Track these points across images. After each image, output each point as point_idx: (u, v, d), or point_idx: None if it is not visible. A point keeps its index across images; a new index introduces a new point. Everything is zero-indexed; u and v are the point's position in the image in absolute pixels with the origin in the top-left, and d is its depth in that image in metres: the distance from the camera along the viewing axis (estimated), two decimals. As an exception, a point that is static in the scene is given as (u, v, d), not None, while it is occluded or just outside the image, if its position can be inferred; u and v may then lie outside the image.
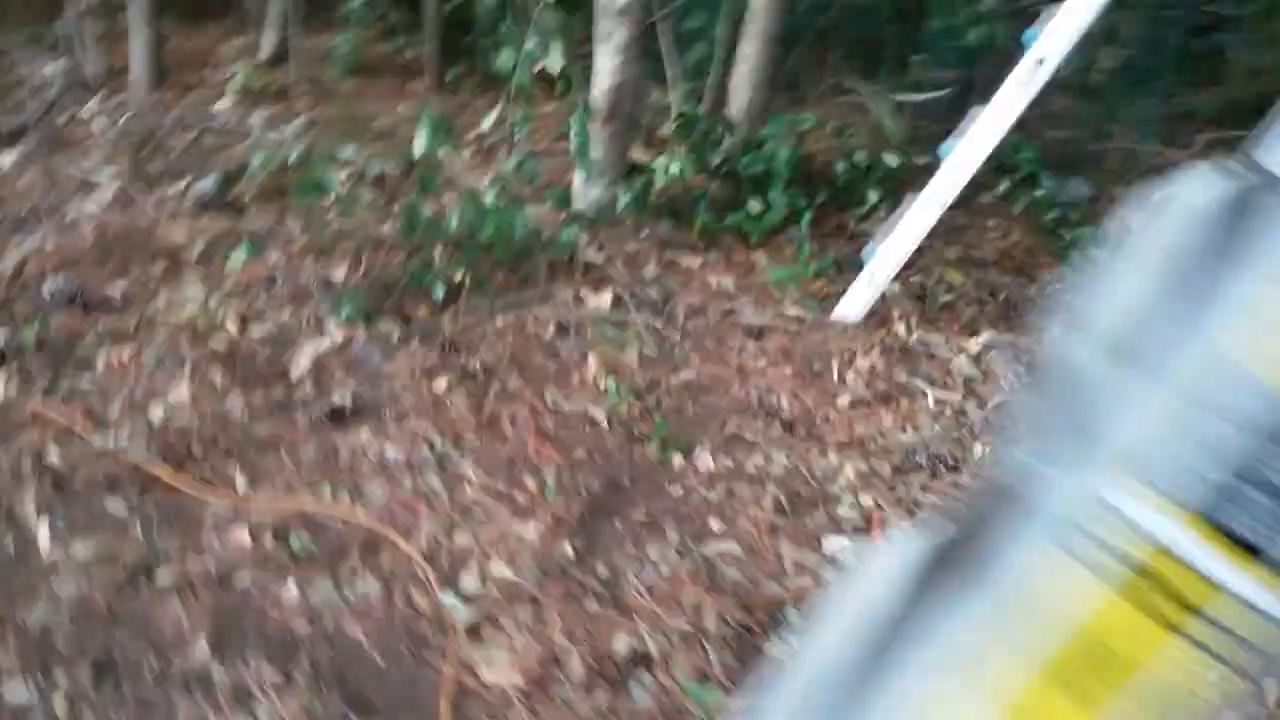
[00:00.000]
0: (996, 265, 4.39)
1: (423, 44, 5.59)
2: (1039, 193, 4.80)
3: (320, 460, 2.63)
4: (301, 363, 2.97)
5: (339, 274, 3.44)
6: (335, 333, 3.13)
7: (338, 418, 2.79)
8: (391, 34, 5.64)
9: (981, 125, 3.32)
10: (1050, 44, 3.19)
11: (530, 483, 2.64)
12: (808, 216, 4.10)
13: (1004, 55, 5.50)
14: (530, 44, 3.65)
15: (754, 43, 4.26)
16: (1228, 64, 6.65)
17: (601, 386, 3.12)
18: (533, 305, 3.48)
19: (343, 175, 4.00)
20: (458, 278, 3.48)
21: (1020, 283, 4.32)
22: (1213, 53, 6.53)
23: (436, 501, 2.52)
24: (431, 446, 2.72)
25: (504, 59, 3.87)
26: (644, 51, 3.92)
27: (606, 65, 3.78)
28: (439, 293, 3.39)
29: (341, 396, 2.86)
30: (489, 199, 3.68)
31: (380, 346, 3.13)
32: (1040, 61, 3.20)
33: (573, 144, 3.92)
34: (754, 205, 4.07)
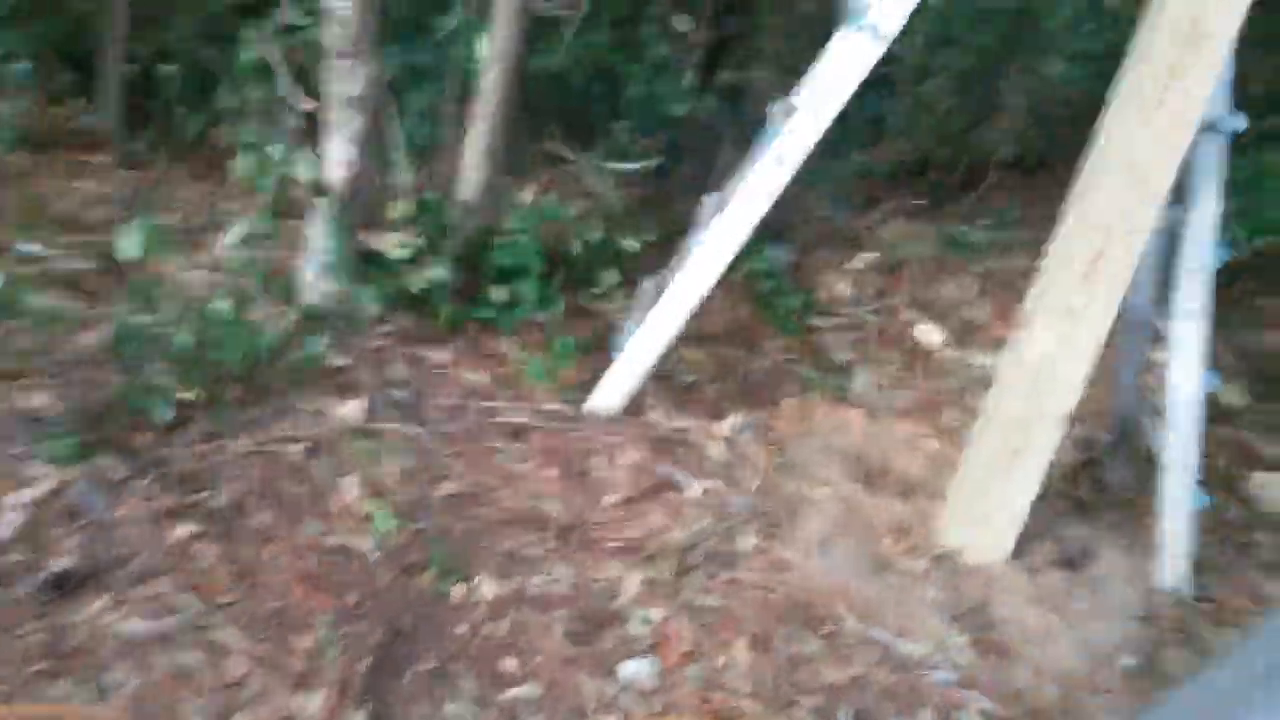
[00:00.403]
0: (727, 339, 4.57)
1: (98, 111, 5.01)
2: (754, 263, 5.02)
3: (47, 646, 2.24)
4: (6, 521, 2.53)
5: (38, 402, 2.98)
6: (44, 477, 2.70)
7: (62, 587, 2.40)
8: (59, 99, 5.01)
9: (732, 215, 3.45)
10: (807, 127, 3.36)
11: (304, 641, 2.40)
12: (553, 302, 4.07)
13: (705, 126, 5.78)
14: (270, 147, 3.38)
15: (484, 122, 4.17)
16: (887, 126, 7.24)
17: (363, 512, 2.90)
18: (273, 422, 3.19)
19: (27, 275, 3.49)
20: (184, 396, 3.12)
21: (750, 355, 4.53)
22: (877, 115, 7.07)
23: (199, 681, 2.23)
24: (182, 611, 2.41)
25: (242, 166, 3.55)
26: (375, 136, 3.73)
27: (339, 154, 3.56)
28: (163, 416, 3.03)
29: (63, 560, 2.47)
30: (213, 302, 3.35)
31: (102, 489, 2.73)
32: (781, 158, 3.35)
33: (306, 236, 3.66)
34: (498, 293, 3.98)
